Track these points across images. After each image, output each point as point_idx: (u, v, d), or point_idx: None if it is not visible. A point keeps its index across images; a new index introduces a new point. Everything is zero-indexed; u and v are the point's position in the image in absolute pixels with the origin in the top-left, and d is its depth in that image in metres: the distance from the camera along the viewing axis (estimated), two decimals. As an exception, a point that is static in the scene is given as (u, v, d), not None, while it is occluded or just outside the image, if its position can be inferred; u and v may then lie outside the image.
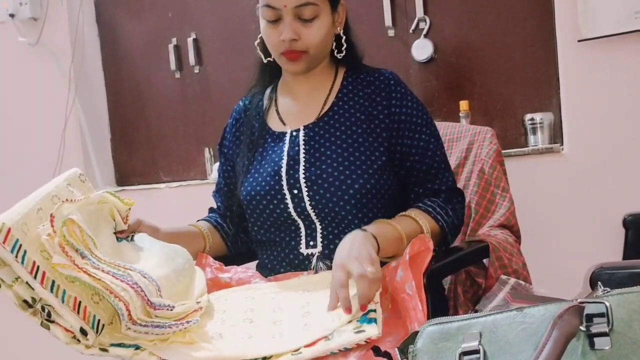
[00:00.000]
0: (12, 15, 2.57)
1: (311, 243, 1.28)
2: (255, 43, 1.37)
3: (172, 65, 2.55)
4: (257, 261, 1.42)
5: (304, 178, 1.27)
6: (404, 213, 1.27)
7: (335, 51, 1.34)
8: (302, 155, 1.30)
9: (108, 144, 2.71)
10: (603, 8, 1.84)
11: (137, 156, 2.67)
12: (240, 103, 1.47)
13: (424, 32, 2.14)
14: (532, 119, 2.00)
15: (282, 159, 1.31)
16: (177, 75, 2.57)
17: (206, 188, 2.33)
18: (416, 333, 0.88)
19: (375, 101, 1.31)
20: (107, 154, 2.70)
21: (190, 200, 2.42)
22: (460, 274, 1.45)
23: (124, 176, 2.70)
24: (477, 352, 0.81)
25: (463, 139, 1.66)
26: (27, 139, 2.67)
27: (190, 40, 2.51)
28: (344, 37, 1.34)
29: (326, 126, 1.31)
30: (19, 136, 2.68)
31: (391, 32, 2.20)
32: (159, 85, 2.60)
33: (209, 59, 2.52)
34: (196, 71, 2.53)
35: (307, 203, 1.27)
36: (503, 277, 1.24)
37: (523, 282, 1.20)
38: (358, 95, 1.33)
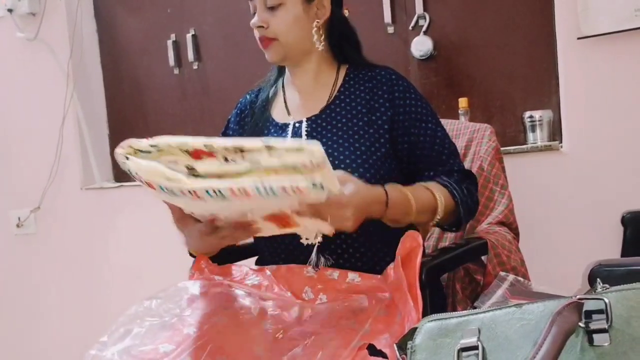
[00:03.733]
0: (10, 10, 2.57)
1: None
2: None
3: (171, 61, 2.54)
4: (252, 258, 1.42)
5: None
6: (420, 183, 1.28)
7: (320, 43, 1.35)
8: None
9: (106, 140, 2.70)
10: (603, 5, 1.83)
11: (135, 152, 2.66)
12: (247, 96, 1.49)
13: (424, 29, 2.14)
14: (531, 117, 1.99)
15: None
16: (176, 71, 2.56)
17: (204, 184, 2.33)
18: (415, 329, 0.87)
19: (377, 94, 1.33)
20: (105, 150, 2.69)
21: (188, 197, 2.41)
22: (459, 271, 1.44)
23: (122, 172, 2.68)
24: (475, 348, 0.81)
25: (462, 136, 1.66)
26: (25, 135, 2.66)
27: (189, 36, 2.50)
28: (319, 29, 1.33)
29: (328, 118, 1.34)
30: (16, 132, 2.68)
31: (390, 29, 2.19)
32: (157, 81, 2.60)
33: (208, 55, 2.51)
34: (195, 67, 2.53)
35: None
36: (502, 273, 1.23)
37: (522, 279, 1.20)
38: (359, 90, 1.35)
